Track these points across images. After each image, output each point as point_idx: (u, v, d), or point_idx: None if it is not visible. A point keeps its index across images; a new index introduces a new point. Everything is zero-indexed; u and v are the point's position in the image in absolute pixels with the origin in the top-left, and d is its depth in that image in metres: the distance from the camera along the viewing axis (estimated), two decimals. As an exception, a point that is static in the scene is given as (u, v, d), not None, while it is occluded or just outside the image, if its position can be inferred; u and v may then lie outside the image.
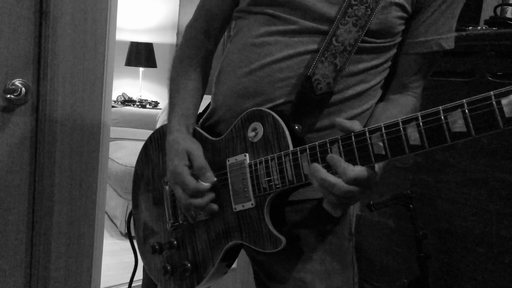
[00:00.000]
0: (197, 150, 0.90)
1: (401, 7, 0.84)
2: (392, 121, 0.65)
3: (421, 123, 0.62)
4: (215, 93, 0.97)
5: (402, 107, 0.90)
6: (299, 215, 0.91)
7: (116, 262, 2.33)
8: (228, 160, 0.87)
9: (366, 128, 0.67)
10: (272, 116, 0.81)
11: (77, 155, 1.42)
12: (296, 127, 0.82)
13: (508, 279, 1.46)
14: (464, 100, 0.58)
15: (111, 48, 1.44)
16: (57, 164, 1.38)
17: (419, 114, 0.62)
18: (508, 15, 1.72)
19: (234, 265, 2.13)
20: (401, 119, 0.64)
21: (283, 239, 0.79)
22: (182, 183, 0.88)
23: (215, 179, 0.87)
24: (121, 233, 2.89)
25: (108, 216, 3.07)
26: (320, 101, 0.83)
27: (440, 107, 0.60)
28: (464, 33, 1.50)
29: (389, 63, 0.91)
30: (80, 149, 1.42)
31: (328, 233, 0.92)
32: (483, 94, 0.57)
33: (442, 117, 0.60)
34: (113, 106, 4.34)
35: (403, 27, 0.87)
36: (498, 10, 1.64)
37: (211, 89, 0.99)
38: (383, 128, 0.65)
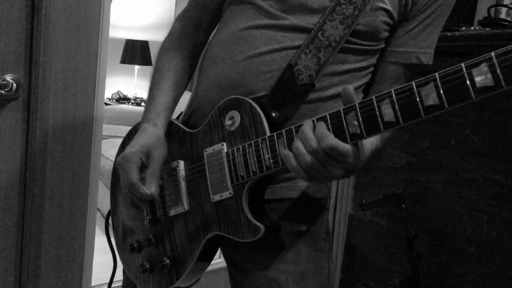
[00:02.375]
0: (160, 156, 0.87)
1: (388, 13, 0.84)
2: (366, 99, 0.65)
3: (395, 99, 0.62)
4: (197, 86, 0.95)
5: None
6: (275, 214, 0.89)
7: (108, 260, 2.31)
8: (206, 151, 0.85)
9: (341, 108, 0.67)
10: (249, 103, 0.80)
11: (68, 152, 1.41)
12: (273, 114, 0.81)
13: (498, 279, 1.47)
14: (436, 74, 0.59)
15: (104, 44, 1.43)
16: (49, 160, 1.37)
17: (392, 90, 0.62)
18: (502, 15, 1.72)
19: (225, 265, 2.12)
20: (375, 96, 0.64)
21: (261, 227, 0.77)
22: (127, 174, 0.84)
23: (156, 196, 0.84)
24: (114, 231, 2.87)
25: (101, 213, 3.06)
26: (300, 92, 0.83)
27: (413, 82, 0.61)
28: (457, 33, 1.51)
29: (372, 69, 0.91)
30: (72, 145, 1.42)
31: (303, 233, 0.91)
32: (455, 66, 0.57)
33: (416, 92, 0.60)
34: (107, 104, 4.33)
35: (388, 33, 0.88)
36: (492, 11, 1.65)
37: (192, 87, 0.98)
38: (357, 107, 0.65)
